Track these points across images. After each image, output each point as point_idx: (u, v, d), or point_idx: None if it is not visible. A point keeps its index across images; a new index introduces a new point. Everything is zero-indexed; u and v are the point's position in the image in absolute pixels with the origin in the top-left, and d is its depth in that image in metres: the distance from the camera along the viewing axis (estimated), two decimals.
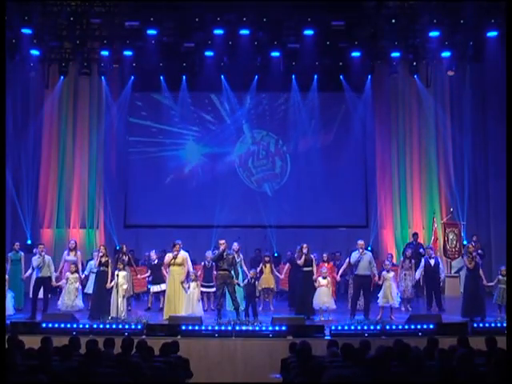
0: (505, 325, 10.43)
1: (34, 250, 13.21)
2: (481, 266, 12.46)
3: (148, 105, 18.12)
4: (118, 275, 12.05)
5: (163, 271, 13.48)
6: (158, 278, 13.46)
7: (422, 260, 13.70)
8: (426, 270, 13.48)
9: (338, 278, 13.71)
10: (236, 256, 13.11)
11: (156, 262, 13.63)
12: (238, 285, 12.19)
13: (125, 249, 13.51)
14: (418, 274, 13.52)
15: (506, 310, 9.49)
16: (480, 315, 11.76)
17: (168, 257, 12.43)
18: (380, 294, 12.48)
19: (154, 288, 13.58)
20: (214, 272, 13.34)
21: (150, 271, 13.72)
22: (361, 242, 12.50)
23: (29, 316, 12.16)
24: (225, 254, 12.09)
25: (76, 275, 12.71)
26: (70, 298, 12.43)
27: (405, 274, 13.50)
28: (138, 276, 13.71)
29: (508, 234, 12.87)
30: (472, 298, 12.08)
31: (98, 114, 17.63)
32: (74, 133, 17.57)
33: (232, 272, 12.11)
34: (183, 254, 12.53)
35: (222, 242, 12.16)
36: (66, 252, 13.48)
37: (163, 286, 13.32)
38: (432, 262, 13.51)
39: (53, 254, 14.89)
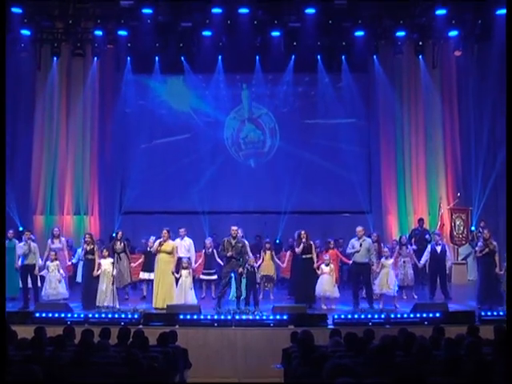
0: None
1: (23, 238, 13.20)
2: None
3: (144, 87, 17.99)
4: (100, 263, 12.15)
5: None
6: (150, 266, 13.49)
7: (428, 246, 13.68)
8: (432, 257, 13.43)
9: (350, 261, 13.46)
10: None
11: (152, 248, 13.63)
12: (241, 274, 12.18)
13: (120, 235, 13.50)
14: (424, 260, 13.50)
15: (506, 309, 9.52)
16: (497, 302, 11.75)
17: (156, 243, 12.42)
18: (376, 282, 12.52)
19: (144, 275, 13.60)
20: (218, 260, 13.38)
21: (143, 257, 13.71)
22: (359, 229, 12.50)
23: (21, 306, 12.17)
24: (234, 241, 12.08)
25: (56, 263, 12.62)
26: (52, 286, 12.38)
27: (404, 262, 13.48)
28: (132, 264, 13.67)
29: (508, 234, 12.88)
30: (489, 284, 12.07)
31: (92, 97, 17.48)
32: (68, 116, 17.44)
33: (241, 260, 12.12)
34: (172, 242, 12.52)
35: (235, 228, 12.20)
36: (49, 240, 13.44)
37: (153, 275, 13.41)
38: (438, 248, 13.45)
39: (42, 242, 14.80)
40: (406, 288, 13.49)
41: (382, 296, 12.41)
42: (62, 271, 12.68)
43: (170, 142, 18.03)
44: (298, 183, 17.21)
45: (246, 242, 13.61)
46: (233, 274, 12.16)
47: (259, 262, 13.49)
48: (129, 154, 17.89)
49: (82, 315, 10.92)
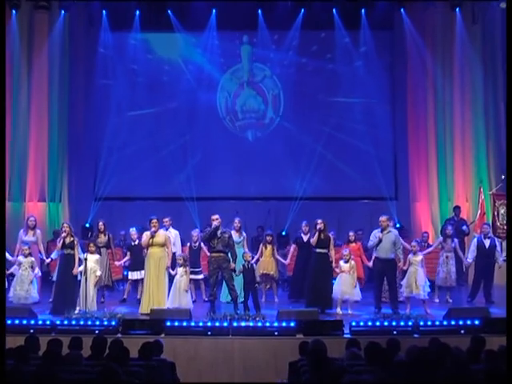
0: None
1: None
2: None
3: (122, 47, 17.88)
4: (86, 259, 12.03)
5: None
6: (139, 263, 13.51)
7: (475, 240, 13.62)
8: (479, 253, 13.37)
9: (370, 263, 13.48)
10: (238, 235, 13.12)
11: (137, 242, 13.64)
12: (234, 271, 12.19)
13: (102, 226, 13.50)
14: (471, 257, 13.46)
15: (506, 309, 9.54)
16: None
17: (145, 235, 12.43)
18: (403, 282, 12.54)
19: (133, 275, 13.60)
20: (208, 253, 13.41)
21: (128, 254, 13.73)
22: (383, 219, 12.50)
23: None
24: (219, 232, 12.07)
25: (31, 259, 12.62)
26: (23, 287, 12.32)
27: (446, 257, 13.47)
28: (116, 262, 13.70)
29: (508, 233, 12.84)
30: None
31: (60, 61, 17.40)
32: (29, 85, 17.32)
33: (229, 255, 12.11)
34: (164, 232, 12.53)
35: (215, 217, 12.16)
36: (22, 231, 13.42)
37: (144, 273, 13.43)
38: (487, 242, 13.38)
39: (6, 232, 14.80)
40: (443, 289, 13.48)
41: (409, 299, 12.41)
42: (37, 270, 12.70)
43: (153, 113, 17.99)
44: (306, 163, 17.16)
45: (244, 235, 13.64)
46: (220, 272, 12.14)
47: (256, 257, 13.49)
48: (104, 129, 17.80)
49: (48, 322, 10.92)
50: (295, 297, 13.53)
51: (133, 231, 13.71)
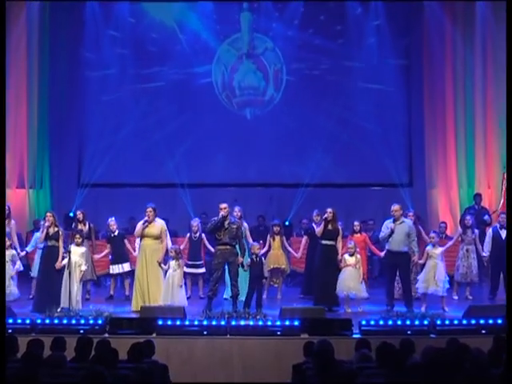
0: None
1: None
2: None
3: (108, 16, 17.77)
4: (69, 252, 12.04)
5: (127, 246, 13.61)
6: (120, 256, 13.49)
7: (490, 231, 13.63)
8: (495, 245, 13.40)
9: (382, 254, 13.47)
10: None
11: (116, 233, 13.63)
12: (242, 266, 12.20)
13: (81, 215, 13.48)
14: (486, 249, 13.46)
15: (506, 309, 9.56)
16: None
17: (138, 225, 12.46)
18: (420, 277, 12.51)
19: (114, 269, 13.66)
20: (209, 246, 13.42)
21: (108, 246, 13.76)
22: (396, 208, 12.47)
23: None
24: (226, 222, 12.08)
25: (12, 252, 12.65)
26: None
27: (467, 250, 13.48)
28: (96, 256, 13.69)
29: (508, 233, 12.88)
30: None
31: (40, 34, 17.32)
32: (7, 59, 17.27)
33: (236, 247, 12.14)
34: (160, 223, 12.54)
35: (224, 206, 12.17)
36: None
37: (126, 267, 13.49)
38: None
39: None
40: (462, 285, 13.49)
41: (426, 296, 12.40)
42: (19, 264, 12.72)
43: (143, 90, 17.88)
44: (311, 146, 17.13)
45: (246, 225, 13.63)
46: (227, 266, 12.16)
47: (263, 250, 13.49)
48: (89, 109, 17.81)
49: (27, 321, 10.93)
50: (308, 293, 13.46)
51: (111, 221, 13.70)
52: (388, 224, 12.44)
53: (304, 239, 14.10)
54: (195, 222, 13.98)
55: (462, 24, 17.51)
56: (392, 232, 12.33)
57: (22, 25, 17.15)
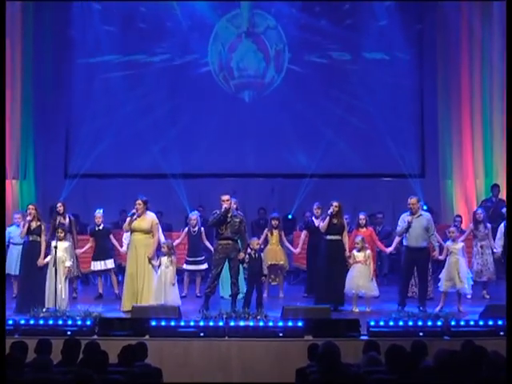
0: None
1: None
2: None
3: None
4: (56, 247, 12.03)
5: (113, 241, 13.66)
6: (103, 251, 13.50)
7: (502, 225, 13.58)
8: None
9: (389, 250, 13.54)
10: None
11: (101, 226, 13.63)
12: (242, 262, 12.24)
13: (62, 207, 13.47)
14: (498, 245, 13.45)
15: (506, 310, 9.58)
16: None
17: (127, 220, 12.47)
18: (442, 275, 12.45)
19: (96, 265, 13.71)
20: (206, 243, 13.43)
21: (91, 240, 13.79)
22: (413, 200, 12.42)
23: None
24: (229, 215, 12.11)
25: None
26: None
27: (481, 247, 13.48)
28: (77, 250, 13.61)
29: (508, 232, 12.89)
30: None
31: (23, 15, 17.30)
32: None
33: (238, 242, 12.18)
34: (151, 217, 12.55)
35: (226, 197, 12.17)
36: None
37: (109, 263, 13.55)
38: None
39: None
40: (478, 283, 13.43)
41: (446, 295, 12.33)
42: None
43: (133, 73, 17.83)
44: (315, 133, 17.10)
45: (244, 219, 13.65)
46: (227, 263, 12.17)
47: (262, 246, 13.49)
48: (77, 92, 17.79)
49: (10, 321, 10.93)
50: (312, 292, 13.41)
51: (98, 213, 13.70)
52: (405, 217, 12.36)
53: (303, 234, 14.09)
54: (194, 216, 13.95)
55: (480, 5, 17.48)
56: (409, 226, 12.28)
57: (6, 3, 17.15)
